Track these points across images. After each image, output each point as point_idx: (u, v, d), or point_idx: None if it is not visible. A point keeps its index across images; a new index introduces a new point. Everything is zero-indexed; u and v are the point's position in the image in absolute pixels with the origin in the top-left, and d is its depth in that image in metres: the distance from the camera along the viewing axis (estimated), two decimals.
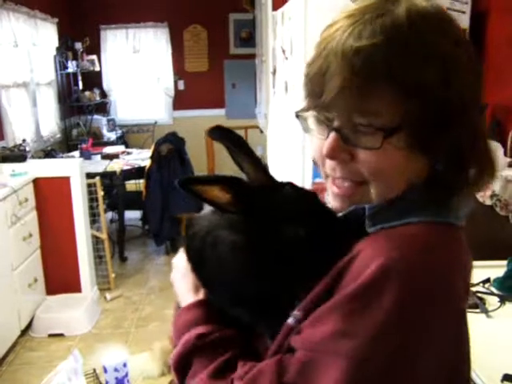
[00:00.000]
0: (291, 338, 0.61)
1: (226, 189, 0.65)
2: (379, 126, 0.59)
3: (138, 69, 6.68)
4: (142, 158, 4.60)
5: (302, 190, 0.71)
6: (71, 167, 3.35)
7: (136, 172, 4.38)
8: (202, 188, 0.64)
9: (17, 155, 3.48)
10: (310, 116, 0.67)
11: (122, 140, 6.17)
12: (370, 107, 0.59)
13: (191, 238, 0.76)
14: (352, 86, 0.58)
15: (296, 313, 0.63)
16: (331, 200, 0.69)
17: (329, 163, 0.66)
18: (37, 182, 3.30)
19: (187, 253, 0.78)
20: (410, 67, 0.58)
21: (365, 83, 0.58)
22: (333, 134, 0.63)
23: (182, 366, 0.70)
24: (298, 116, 0.70)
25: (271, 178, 0.72)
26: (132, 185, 4.95)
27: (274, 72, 3.11)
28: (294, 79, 2.30)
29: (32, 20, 4.96)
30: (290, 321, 0.63)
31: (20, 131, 4.50)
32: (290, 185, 0.70)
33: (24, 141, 4.29)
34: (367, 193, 0.65)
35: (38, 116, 5.08)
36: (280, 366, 0.59)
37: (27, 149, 3.99)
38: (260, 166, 0.71)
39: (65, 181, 3.33)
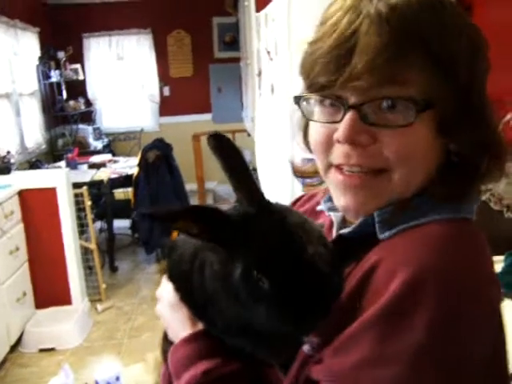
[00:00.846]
0: (312, 369, 0.54)
1: (191, 222, 0.56)
2: (412, 99, 0.54)
3: (123, 76, 6.61)
4: (129, 165, 4.55)
5: (290, 225, 0.57)
6: (57, 178, 3.29)
7: (124, 180, 4.33)
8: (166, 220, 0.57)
9: (1, 168, 3.42)
10: (315, 98, 0.60)
11: (108, 148, 6.11)
12: (402, 77, 0.53)
13: (176, 263, 0.69)
14: (384, 53, 0.52)
15: (312, 339, 0.56)
16: (339, 196, 0.61)
17: (341, 149, 0.58)
18: (22, 194, 3.24)
19: (172, 281, 0.71)
20: (447, 36, 0.54)
21: (399, 49, 0.52)
22: (351, 113, 0.56)
23: None
24: (298, 101, 0.64)
25: (261, 206, 0.58)
26: (120, 193, 4.89)
27: (260, 74, 3.08)
28: (280, 80, 2.27)
29: (12, 30, 4.89)
30: (306, 348, 0.56)
31: (4, 143, 4.42)
32: (280, 215, 0.57)
33: (8, 152, 4.21)
34: (385, 184, 0.58)
35: (22, 127, 5.01)
36: None
37: (12, 161, 3.93)
38: (252, 193, 0.58)
39: (51, 192, 3.27)
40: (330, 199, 0.70)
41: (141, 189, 4.15)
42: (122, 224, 4.88)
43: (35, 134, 5.42)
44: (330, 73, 0.55)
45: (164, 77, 6.66)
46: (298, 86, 0.66)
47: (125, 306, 3.68)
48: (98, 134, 6.24)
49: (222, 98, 6.75)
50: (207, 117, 6.72)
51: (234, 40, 6.53)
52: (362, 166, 0.58)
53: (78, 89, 6.24)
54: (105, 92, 6.58)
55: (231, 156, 0.58)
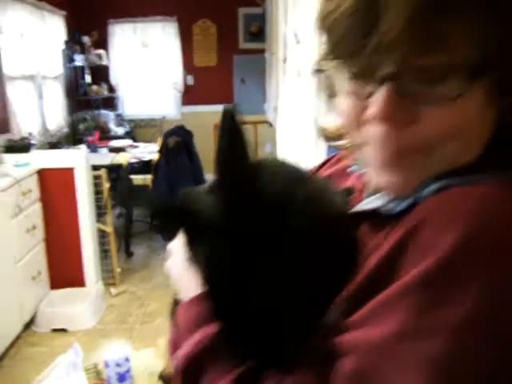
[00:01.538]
0: (334, 339, 0.47)
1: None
2: (462, 65, 0.44)
3: (147, 63, 6.59)
4: (148, 151, 4.52)
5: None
6: (76, 158, 3.27)
7: (143, 166, 4.30)
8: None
9: (21, 146, 3.42)
10: (339, 69, 0.51)
11: (129, 135, 6.09)
12: (448, 38, 0.43)
13: (192, 216, 0.61)
14: (425, 7, 0.42)
15: (338, 305, 0.49)
16: (376, 175, 0.53)
17: (375, 128, 0.49)
18: (41, 173, 3.23)
19: (187, 234, 0.62)
20: None
21: (444, 5, 0.42)
22: (386, 87, 0.46)
23: (192, 370, 0.55)
24: (318, 73, 0.56)
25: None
26: (139, 179, 4.87)
27: (285, 60, 3.01)
28: (307, 62, 2.21)
29: (39, 11, 4.90)
30: (330, 316, 0.49)
31: (26, 124, 4.43)
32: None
33: (30, 134, 4.22)
34: (429, 162, 0.50)
35: (44, 110, 5.01)
36: (321, 379, 0.45)
37: (33, 142, 3.93)
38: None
39: (69, 172, 3.25)
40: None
41: (160, 175, 4.11)
42: (139, 210, 4.86)
43: (57, 117, 5.43)
44: (357, 37, 0.45)
45: (188, 66, 6.62)
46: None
47: (138, 291, 3.65)
48: (120, 120, 6.24)
49: (244, 89, 6.68)
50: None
51: (259, 31, 6.46)
52: (401, 147, 0.49)
53: (101, 74, 6.25)
54: (128, 78, 6.57)
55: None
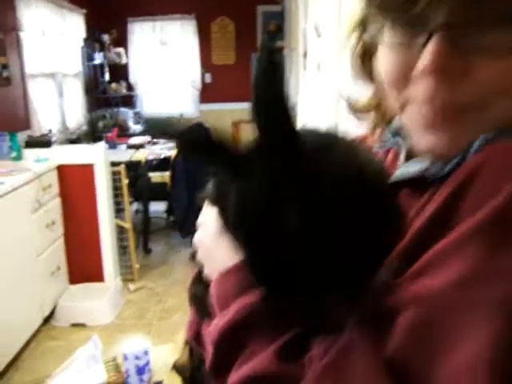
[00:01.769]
0: (388, 298, 0.44)
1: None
2: None
3: (165, 61, 6.62)
4: (167, 147, 4.52)
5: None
6: (95, 154, 3.28)
7: (161, 163, 4.30)
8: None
9: (41, 141, 3.44)
10: (386, 24, 0.49)
11: (148, 133, 6.12)
12: None
13: (220, 180, 0.56)
14: None
15: (389, 265, 0.45)
16: (421, 135, 0.50)
17: (425, 83, 0.46)
18: (61, 169, 3.24)
19: (217, 204, 0.58)
20: None
21: None
22: (438, 37, 0.43)
23: (228, 343, 0.51)
24: (363, 24, 0.53)
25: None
26: (157, 176, 4.88)
27: (305, 55, 2.98)
28: (327, 55, 2.17)
29: (59, 10, 4.94)
30: (382, 275, 0.46)
31: (46, 121, 4.48)
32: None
33: (50, 131, 4.26)
34: (482, 119, 0.47)
35: (64, 107, 5.06)
36: (374, 337, 0.42)
37: (53, 139, 3.96)
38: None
39: (89, 168, 3.26)
40: (397, 133, 0.61)
41: (178, 171, 4.11)
42: (157, 208, 4.87)
43: (77, 115, 5.47)
44: None
45: (206, 63, 6.62)
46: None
47: (156, 287, 3.65)
48: (139, 117, 6.26)
49: None
50: (247, 105, 6.64)
51: (278, 29, 6.43)
52: (452, 103, 0.46)
53: (120, 72, 6.28)
54: (147, 76, 6.60)
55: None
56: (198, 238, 0.66)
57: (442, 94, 0.46)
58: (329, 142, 0.48)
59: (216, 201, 0.59)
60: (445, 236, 0.42)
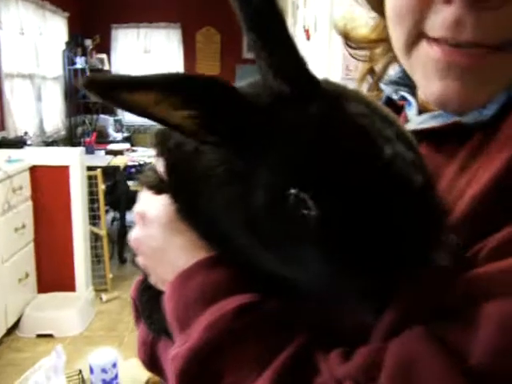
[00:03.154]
0: (455, 284, 0.33)
1: (182, 102, 0.32)
2: None
3: (149, 69, 6.51)
4: (147, 155, 4.39)
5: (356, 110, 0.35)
6: (71, 156, 3.13)
7: (140, 172, 4.17)
8: (134, 98, 0.32)
9: (14, 141, 3.29)
10: None
11: (128, 141, 5.98)
12: None
13: (176, 159, 0.44)
14: None
15: (448, 239, 0.35)
16: (432, 80, 0.41)
17: (449, 12, 0.37)
18: (33, 170, 3.08)
19: (172, 190, 0.46)
20: None
21: None
22: None
23: (198, 370, 0.37)
24: None
25: (302, 83, 0.35)
26: (136, 185, 4.75)
27: None
28: (318, 57, 2.10)
29: (40, 11, 4.81)
30: (438, 258, 0.34)
31: (22, 124, 4.32)
32: (334, 98, 0.35)
33: (26, 133, 4.11)
34: (509, 64, 0.39)
35: (42, 110, 4.90)
36: (438, 340, 0.31)
37: (29, 142, 3.80)
38: (290, 62, 0.35)
39: (63, 170, 3.11)
40: (393, 82, 0.51)
41: None
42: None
43: (55, 119, 5.31)
44: None
45: (190, 73, 6.53)
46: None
47: (130, 298, 3.49)
48: (119, 125, 6.12)
49: None
50: None
51: None
52: (477, 43, 0.38)
53: None
54: None
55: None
56: (138, 236, 0.51)
57: (467, 30, 0.37)
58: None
59: (170, 186, 0.46)
60: None
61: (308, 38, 2.35)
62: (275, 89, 0.34)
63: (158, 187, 0.49)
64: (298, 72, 0.35)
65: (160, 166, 0.47)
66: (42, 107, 4.89)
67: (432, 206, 0.34)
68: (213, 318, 0.38)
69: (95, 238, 3.56)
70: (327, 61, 1.95)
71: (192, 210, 0.44)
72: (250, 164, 0.34)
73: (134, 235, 0.52)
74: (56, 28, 5.28)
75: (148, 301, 0.52)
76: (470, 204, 0.35)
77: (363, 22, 0.55)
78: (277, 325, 0.37)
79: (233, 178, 0.36)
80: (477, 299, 0.31)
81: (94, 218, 3.50)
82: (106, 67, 6.13)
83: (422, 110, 0.48)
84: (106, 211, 3.87)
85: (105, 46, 6.23)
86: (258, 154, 0.34)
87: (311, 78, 0.36)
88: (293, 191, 0.32)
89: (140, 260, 0.52)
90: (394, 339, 0.33)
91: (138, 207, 0.52)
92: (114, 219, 4.62)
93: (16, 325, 2.94)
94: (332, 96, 0.35)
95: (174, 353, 0.39)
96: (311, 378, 0.34)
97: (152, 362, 0.55)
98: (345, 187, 0.31)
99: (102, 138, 5.54)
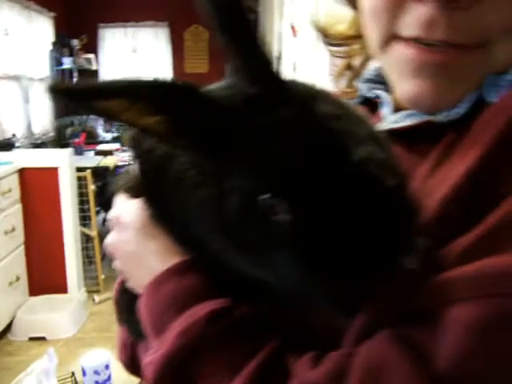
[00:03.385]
0: (429, 287, 0.33)
1: (150, 108, 0.32)
2: None
3: (137, 69, 6.48)
4: None
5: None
6: (60, 157, 3.11)
7: None
8: (102, 105, 0.32)
9: (2, 144, 3.27)
10: None
11: (118, 141, 5.96)
12: None
13: (147, 162, 0.44)
14: None
15: (417, 242, 0.34)
16: (405, 79, 0.41)
17: (422, 11, 0.38)
18: (23, 173, 3.06)
19: (144, 194, 0.46)
20: None
21: None
22: None
23: (172, 377, 0.37)
24: None
25: (272, 84, 0.35)
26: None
27: (280, 56, 2.92)
28: (304, 54, 2.10)
29: (25, 11, 4.77)
30: (406, 261, 0.34)
31: (10, 126, 4.28)
32: (304, 99, 0.35)
33: (14, 135, 4.08)
34: (480, 63, 0.39)
35: (30, 112, 4.86)
36: (406, 344, 0.31)
37: (17, 144, 3.78)
38: (259, 64, 0.35)
39: (52, 172, 3.09)
40: (369, 80, 0.52)
41: None
42: None
43: (43, 120, 5.27)
44: None
45: (179, 72, 6.52)
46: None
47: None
48: (109, 125, 6.09)
49: None
50: None
51: None
52: (449, 42, 0.38)
53: (90, 79, 6.11)
54: None
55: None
56: (113, 241, 0.51)
57: (440, 29, 0.37)
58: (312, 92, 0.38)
59: (144, 189, 0.46)
60: (500, 194, 0.32)
61: (295, 35, 2.35)
62: (245, 92, 0.34)
63: (133, 191, 0.48)
64: (267, 74, 0.35)
65: (135, 169, 0.47)
66: (29, 109, 4.85)
67: (403, 207, 0.34)
68: (185, 324, 0.38)
69: (86, 239, 3.54)
70: (314, 58, 1.95)
71: (166, 214, 0.44)
72: (221, 168, 0.34)
73: (109, 240, 0.52)
74: (42, 28, 5.23)
75: (127, 303, 0.52)
76: (441, 203, 0.36)
77: (342, 18, 0.55)
78: (249, 330, 0.38)
79: (205, 182, 0.36)
80: (444, 303, 0.31)
81: (84, 219, 3.49)
82: (94, 67, 6.10)
83: (397, 109, 0.49)
84: (97, 212, 3.85)
85: (92, 46, 6.19)
86: (228, 158, 0.34)
87: (280, 80, 0.36)
88: (264, 196, 0.32)
89: (117, 264, 0.52)
90: (364, 344, 0.33)
91: (113, 211, 0.51)
92: (105, 220, 4.60)
93: (8, 328, 2.92)
94: (302, 98, 0.35)
95: (148, 359, 0.39)
96: (282, 383, 0.34)
97: (132, 364, 0.55)
98: (315, 191, 0.31)
99: (92, 139, 5.51)
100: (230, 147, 0.34)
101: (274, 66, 0.36)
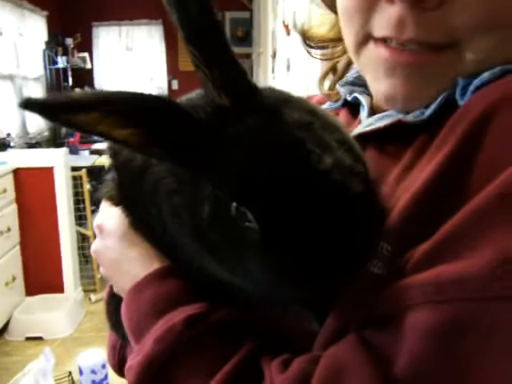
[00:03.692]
0: (390, 291, 0.34)
1: (121, 121, 0.33)
2: None
3: (131, 67, 6.47)
4: None
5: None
6: (55, 157, 3.11)
7: None
8: (73, 119, 0.32)
9: None
10: None
11: None
12: None
13: (126, 173, 0.46)
14: None
15: (382, 247, 0.35)
16: (380, 79, 0.42)
17: (391, 12, 0.39)
18: (18, 173, 3.06)
19: (123, 203, 0.48)
20: None
21: None
22: None
23: (154, 380, 0.39)
24: None
25: (242, 95, 0.36)
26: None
27: (274, 55, 2.92)
28: (297, 53, 2.11)
29: (19, 10, 4.75)
30: (372, 265, 0.35)
31: (4, 125, 4.27)
32: (273, 109, 0.36)
33: (8, 135, 4.07)
34: (450, 63, 0.40)
35: (24, 111, 4.83)
36: (368, 348, 0.32)
37: (11, 144, 3.77)
38: (231, 75, 0.36)
39: (48, 171, 3.09)
40: (349, 83, 0.53)
41: None
42: None
43: (38, 120, 5.25)
44: None
45: (173, 70, 6.51)
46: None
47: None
48: None
49: None
50: None
51: (245, 36, 6.38)
52: (419, 42, 0.39)
53: (84, 77, 6.10)
54: (112, 82, 6.44)
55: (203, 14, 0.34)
56: (97, 247, 0.53)
57: (409, 29, 0.38)
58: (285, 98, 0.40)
59: (124, 197, 0.48)
60: (461, 199, 0.33)
61: (288, 34, 2.36)
62: (216, 101, 0.35)
63: (115, 199, 0.50)
64: (238, 84, 0.36)
65: (115, 177, 0.48)
66: None
67: (369, 213, 0.35)
68: (162, 330, 0.39)
69: (82, 239, 3.55)
70: (307, 56, 1.96)
71: (144, 221, 0.45)
72: (194, 177, 0.36)
73: (93, 246, 0.54)
74: (35, 27, 5.21)
75: (115, 307, 0.53)
76: (408, 206, 0.36)
77: (323, 20, 0.56)
78: (224, 334, 0.39)
79: (179, 190, 0.37)
80: (404, 308, 0.32)
81: (80, 219, 3.49)
82: (88, 66, 6.08)
83: (375, 112, 0.49)
84: (93, 211, 3.85)
85: (86, 45, 6.17)
86: (200, 168, 0.35)
87: (251, 90, 0.37)
88: (234, 205, 0.33)
89: (101, 270, 0.53)
90: (329, 348, 0.34)
91: (97, 219, 0.53)
92: None
93: (4, 328, 2.93)
94: (272, 107, 0.36)
95: (129, 364, 0.41)
96: (258, 381, 0.35)
97: (121, 366, 0.57)
98: (282, 200, 0.32)
99: (86, 138, 5.49)
100: (202, 157, 0.35)
101: (246, 75, 0.37)
